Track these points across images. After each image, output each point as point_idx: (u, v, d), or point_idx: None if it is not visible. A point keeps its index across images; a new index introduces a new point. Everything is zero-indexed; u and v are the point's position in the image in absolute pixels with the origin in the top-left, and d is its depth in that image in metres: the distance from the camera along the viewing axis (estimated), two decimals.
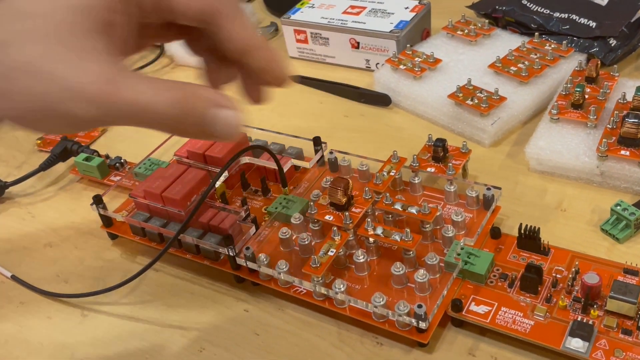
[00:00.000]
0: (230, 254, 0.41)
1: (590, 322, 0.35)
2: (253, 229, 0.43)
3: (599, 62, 0.50)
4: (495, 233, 0.41)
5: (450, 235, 0.40)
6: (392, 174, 0.44)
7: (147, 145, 0.56)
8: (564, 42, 0.54)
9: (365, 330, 0.38)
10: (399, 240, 0.39)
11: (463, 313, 0.37)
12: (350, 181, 0.42)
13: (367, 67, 0.62)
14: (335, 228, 0.40)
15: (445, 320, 0.38)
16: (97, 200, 0.46)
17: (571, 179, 0.46)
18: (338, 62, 0.64)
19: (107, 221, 0.47)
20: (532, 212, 0.44)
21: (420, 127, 0.54)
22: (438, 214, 0.41)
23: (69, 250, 0.48)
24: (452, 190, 0.44)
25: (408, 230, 0.39)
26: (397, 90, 0.56)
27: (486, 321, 0.36)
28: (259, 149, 0.46)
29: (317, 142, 0.48)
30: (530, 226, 0.39)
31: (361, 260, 0.40)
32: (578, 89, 0.47)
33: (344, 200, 0.41)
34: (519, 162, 0.48)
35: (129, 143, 0.58)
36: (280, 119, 0.58)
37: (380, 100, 0.57)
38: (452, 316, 0.37)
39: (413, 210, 0.41)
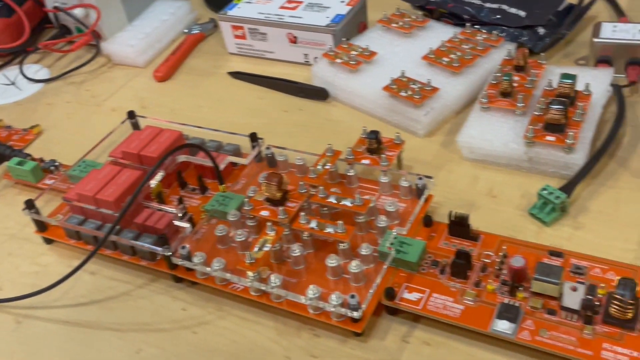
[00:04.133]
0: (166, 253, 0.41)
1: (517, 304, 0.36)
2: (189, 228, 0.43)
3: (527, 50, 0.52)
4: (428, 221, 0.42)
5: (383, 225, 0.41)
6: (327, 167, 0.45)
7: (83, 147, 0.55)
8: (494, 32, 0.56)
9: (302, 323, 0.39)
10: (332, 232, 0.39)
11: (396, 301, 0.38)
12: (285, 176, 0.42)
13: (305, 61, 0.62)
14: (269, 223, 0.40)
15: (380, 309, 0.39)
16: (29, 205, 0.45)
17: (502, 166, 0.47)
18: (277, 57, 0.64)
19: (41, 226, 0.46)
20: (465, 199, 0.45)
21: (358, 119, 0.55)
22: (371, 205, 0.42)
23: (3, 257, 0.47)
24: (386, 181, 0.44)
25: (341, 222, 0.39)
26: (335, 83, 0.56)
27: (418, 308, 0.37)
28: (194, 147, 0.45)
29: (253, 138, 0.49)
30: (459, 213, 0.40)
31: (297, 254, 0.40)
32: (506, 78, 0.48)
33: (278, 195, 0.42)
34: (452, 151, 0.49)
35: (65, 145, 0.57)
36: (220, 115, 0.58)
37: (318, 94, 0.57)
38: (386, 305, 0.38)
39: (347, 202, 0.41)
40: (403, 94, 0.51)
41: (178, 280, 0.42)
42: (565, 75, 0.47)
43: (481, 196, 0.45)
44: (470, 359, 0.35)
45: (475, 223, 0.42)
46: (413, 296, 0.38)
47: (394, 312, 0.38)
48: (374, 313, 0.38)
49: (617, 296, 0.33)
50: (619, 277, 0.35)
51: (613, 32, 0.53)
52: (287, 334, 0.38)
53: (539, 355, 0.35)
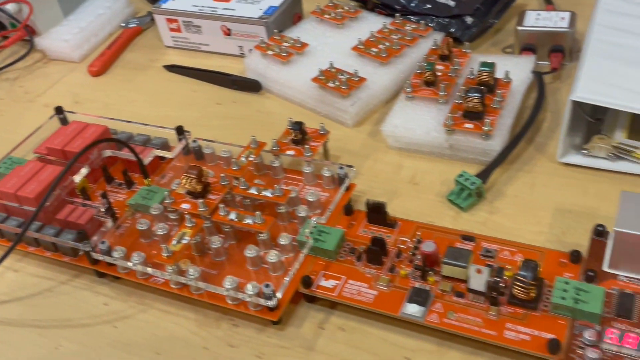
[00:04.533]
0: (85, 249, 0.41)
1: (428, 288, 0.37)
2: (110, 223, 0.43)
3: (451, 39, 0.52)
4: (348, 210, 0.43)
5: (303, 215, 0.41)
6: (250, 158, 0.45)
7: (14, 144, 0.54)
8: (422, 21, 0.57)
9: (222, 313, 0.39)
10: (251, 223, 0.40)
11: (313, 289, 0.38)
12: (206, 168, 0.42)
13: (241, 53, 0.62)
14: (188, 216, 0.40)
15: (299, 298, 0.39)
16: None
17: (425, 154, 0.48)
18: (212, 49, 0.64)
19: None
20: (387, 188, 0.46)
21: (290, 111, 0.55)
22: (293, 195, 0.42)
23: None
24: (309, 171, 0.45)
25: (259, 213, 0.40)
26: (267, 75, 0.57)
27: (334, 295, 0.38)
28: (116, 142, 0.45)
29: (179, 131, 0.49)
30: (376, 201, 0.41)
31: (217, 246, 0.40)
32: (428, 67, 0.49)
33: (199, 187, 0.42)
34: (379, 141, 0.50)
35: None
36: (153, 109, 0.58)
37: (251, 86, 0.58)
38: (304, 293, 0.38)
39: (267, 193, 0.42)
40: (331, 84, 0.52)
41: (101, 275, 0.42)
42: (483, 64, 0.48)
43: (404, 184, 0.46)
44: (382, 342, 0.36)
45: (396, 210, 0.43)
46: (329, 283, 0.38)
47: (312, 299, 0.39)
48: (293, 301, 0.38)
49: (519, 277, 0.35)
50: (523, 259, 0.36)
51: (536, 20, 0.55)
52: (207, 325, 0.39)
53: (447, 337, 0.36)
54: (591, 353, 0.32)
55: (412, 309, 0.36)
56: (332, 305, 0.39)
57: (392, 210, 0.44)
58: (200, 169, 0.42)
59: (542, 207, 0.42)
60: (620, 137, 0.43)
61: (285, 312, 0.38)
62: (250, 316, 0.38)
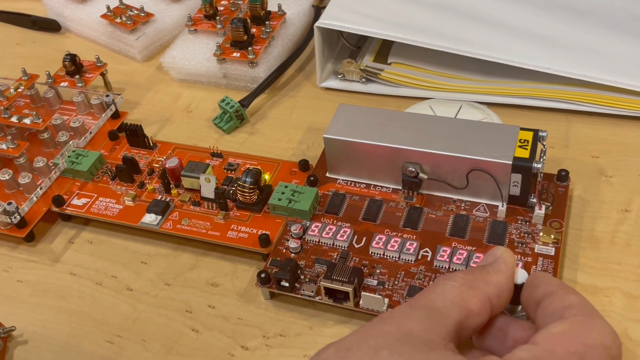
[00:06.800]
0: None
1: (167, 199, 0.40)
2: None
3: None
4: (113, 135, 0.45)
5: (64, 139, 0.43)
6: (19, 90, 0.46)
7: None
8: None
9: None
10: (5, 148, 0.41)
11: (64, 207, 0.40)
12: None
13: None
14: None
15: (55, 217, 0.41)
16: None
17: (204, 84, 0.51)
18: None
19: None
20: (163, 116, 0.48)
21: (88, 49, 0.56)
22: (56, 122, 0.44)
23: None
24: (79, 100, 0.46)
25: (10, 137, 0.41)
26: (65, 15, 0.57)
27: (82, 211, 0.40)
28: None
29: None
30: (132, 124, 0.43)
31: None
32: (205, 1, 0.51)
33: None
34: (165, 74, 0.52)
35: None
36: None
37: (50, 26, 0.58)
38: (58, 212, 0.40)
39: (27, 120, 0.43)
40: (118, 20, 0.53)
41: None
42: None
43: (179, 112, 0.49)
44: (123, 251, 0.39)
45: (167, 135, 0.46)
46: (81, 202, 0.40)
47: (68, 218, 0.41)
48: (48, 220, 0.40)
49: (240, 183, 0.38)
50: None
51: None
52: None
53: (181, 242, 0.39)
54: (292, 243, 0.36)
55: (149, 219, 0.38)
56: (86, 222, 0.41)
57: (163, 135, 0.46)
58: None
59: (296, 127, 0.46)
60: (367, 60, 0.47)
61: (39, 231, 0.40)
62: (5, 236, 0.40)
